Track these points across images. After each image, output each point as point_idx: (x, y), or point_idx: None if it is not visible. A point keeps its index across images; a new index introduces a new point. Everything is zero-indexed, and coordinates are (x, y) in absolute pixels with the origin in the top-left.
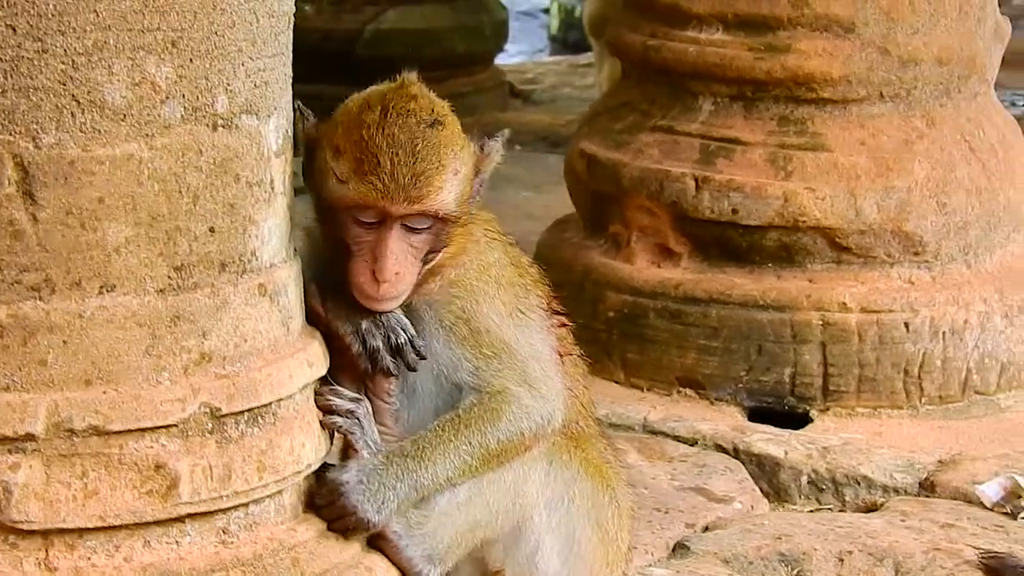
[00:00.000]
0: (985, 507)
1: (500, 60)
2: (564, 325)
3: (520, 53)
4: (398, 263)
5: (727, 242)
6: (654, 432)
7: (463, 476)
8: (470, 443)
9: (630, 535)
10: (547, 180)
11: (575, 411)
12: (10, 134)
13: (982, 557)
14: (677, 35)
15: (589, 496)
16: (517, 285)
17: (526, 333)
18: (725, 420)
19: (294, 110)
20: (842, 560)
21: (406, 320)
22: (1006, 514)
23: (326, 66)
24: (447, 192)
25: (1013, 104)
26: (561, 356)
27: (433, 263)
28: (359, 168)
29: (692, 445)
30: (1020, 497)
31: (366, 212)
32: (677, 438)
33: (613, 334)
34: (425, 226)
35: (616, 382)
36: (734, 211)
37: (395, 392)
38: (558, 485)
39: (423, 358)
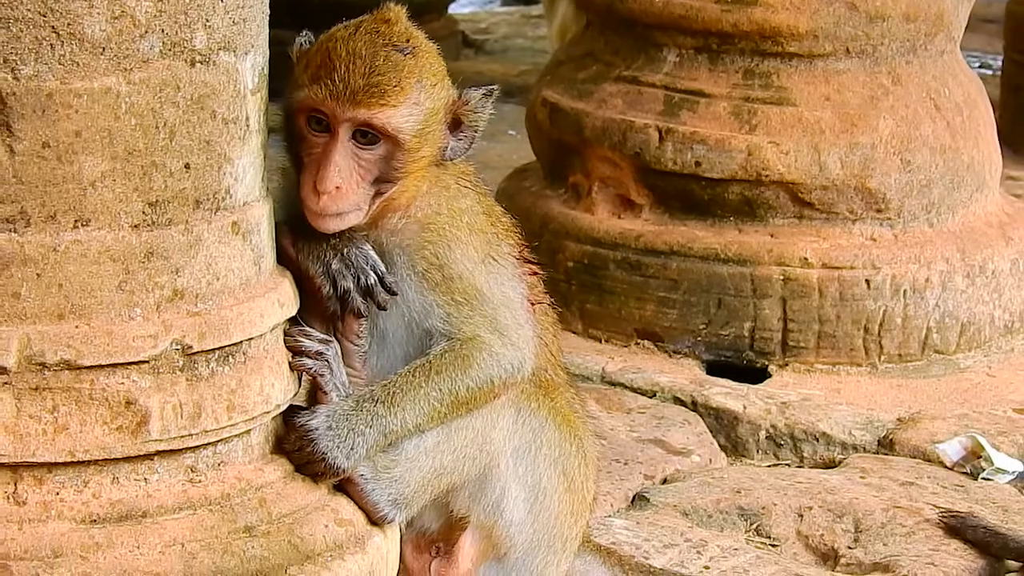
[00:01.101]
0: (945, 466)
1: (453, 9)
2: (535, 274)
3: (472, 3)
4: (340, 176)
5: (689, 195)
6: (612, 383)
7: (432, 423)
8: (440, 390)
9: (595, 485)
10: (501, 129)
11: (545, 359)
12: None
13: (942, 516)
14: None
15: (556, 445)
16: (490, 233)
17: (498, 280)
18: (683, 373)
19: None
20: (802, 516)
21: (376, 257)
22: (966, 474)
23: (278, 10)
24: (401, 114)
25: (988, 67)
26: (532, 304)
27: (387, 196)
28: (316, 73)
29: (650, 397)
30: (980, 457)
31: (317, 117)
32: (635, 390)
33: (572, 284)
34: (374, 144)
35: (574, 332)
36: (697, 164)
37: (364, 334)
38: (526, 433)
39: (393, 294)
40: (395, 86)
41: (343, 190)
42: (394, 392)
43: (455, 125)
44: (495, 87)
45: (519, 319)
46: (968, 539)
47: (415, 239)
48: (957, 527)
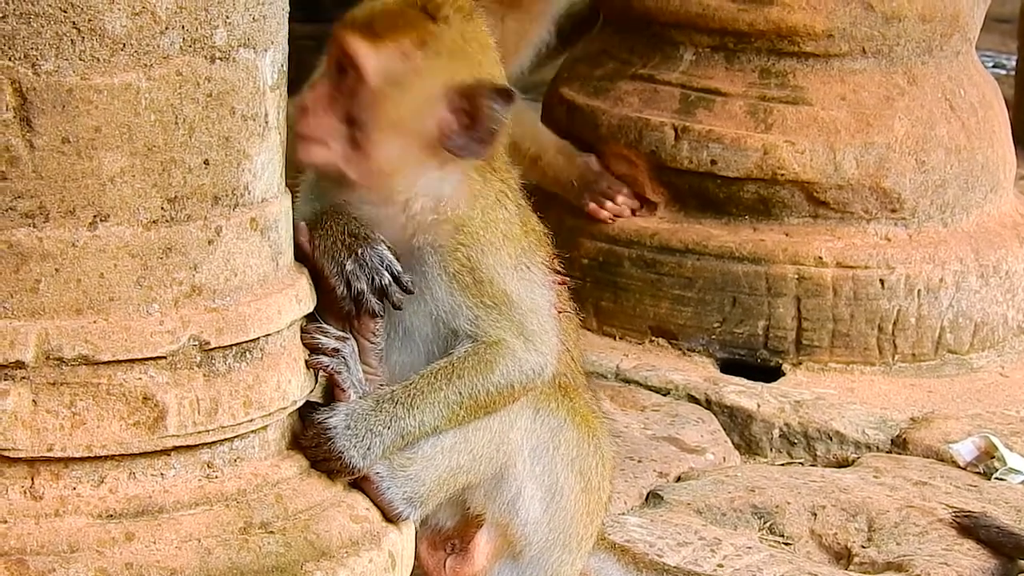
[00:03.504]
0: (958, 466)
1: None
2: (563, 283)
3: None
4: (315, 98)
5: (704, 193)
6: (627, 381)
7: (450, 424)
8: (460, 393)
9: (611, 485)
10: None
11: (565, 364)
12: (9, 60)
13: (955, 516)
14: None
15: (574, 445)
16: (523, 241)
17: (528, 287)
18: (698, 371)
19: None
20: (815, 514)
21: (392, 257)
22: (979, 474)
23: (291, 5)
24: (379, 57)
25: (1002, 67)
26: (558, 312)
27: (367, 153)
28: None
29: (665, 395)
30: (993, 457)
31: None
32: (650, 387)
33: (587, 282)
34: (350, 77)
35: (589, 330)
36: (713, 162)
37: (380, 332)
38: (544, 433)
39: (409, 292)
40: (389, 30)
41: (314, 112)
42: (414, 394)
43: (470, 121)
44: (514, 90)
45: (545, 326)
46: (981, 539)
47: (449, 240)
48: (970, 527)
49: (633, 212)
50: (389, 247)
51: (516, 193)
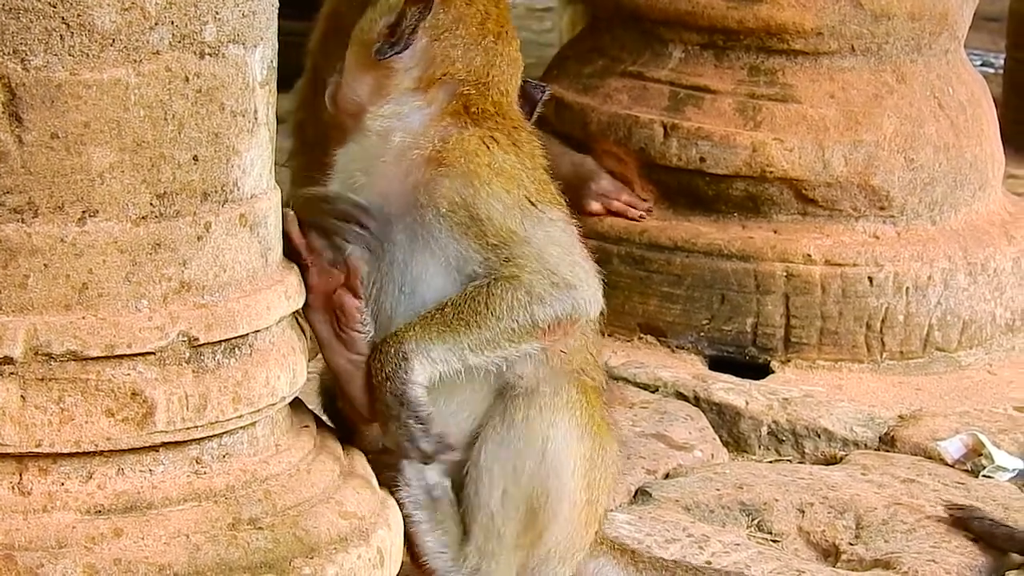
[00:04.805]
0: (946, 463)
1: None
2: None
3: None
4: None
5: (694, 190)
6: (615, 377)
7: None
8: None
9: (609, 497)
10: None
11: (586, 359)
12: None
13: (949, 508)
14: None
15: (588, 458)
16: (521, 178)
17: (538, 224)
18: (686, 368)
19: None
20: (803, 512)
21: (364, 204)
22: (967, 471)
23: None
24: None
25: (990, 65)
26: None
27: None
28: None
29: (653, 392)
30: (981, 455)
31: None
32: (638, 384)
33: None
34: None
35: None
36: (702, 159)
37: (367, 320)
38: (585, 453)
39: (365, 228)
40: None
41: None
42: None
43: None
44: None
45: (572, 256)
46: (974, 531)
47: (433, 176)
48: (963, 519)
49: (640, 217)
50: (360, 204)
51: (513, 147)
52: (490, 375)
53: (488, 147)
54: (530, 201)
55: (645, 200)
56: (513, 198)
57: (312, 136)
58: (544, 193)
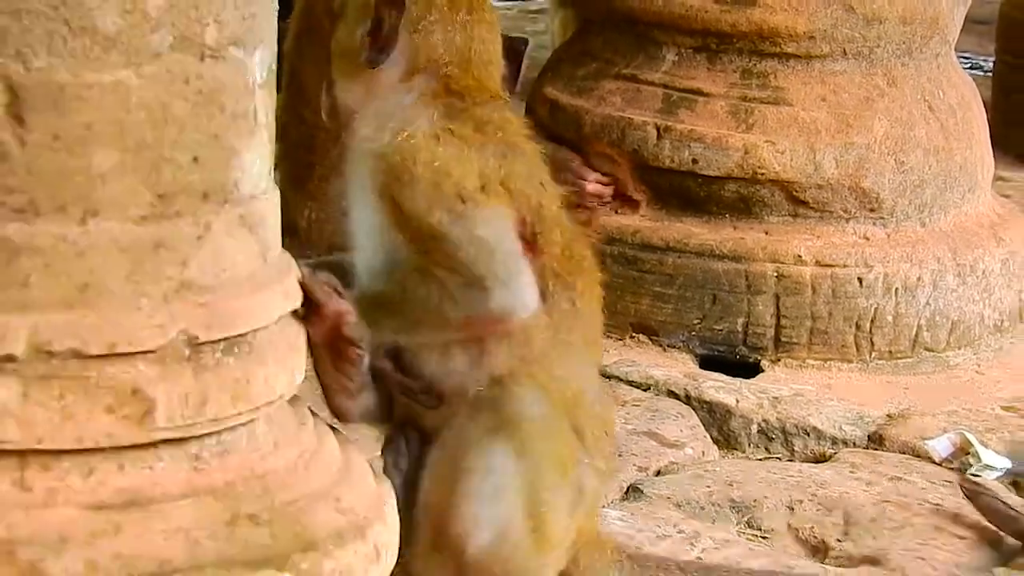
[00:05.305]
0: (934, 462)
1: None
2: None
3: None
4: None
5: (686, 191)
6: (607, 376)
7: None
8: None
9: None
10: None
11: (569, 395)
12: (1, 57)
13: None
14: None
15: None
16: (462, 171)
17: (463, 221)
18: (677, 367)
19: None
20: (792, 509)
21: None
22: (954, 469)
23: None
24: None
25: (979, 68)
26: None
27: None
28: None
29: (645, 390)
30: (968, 453)
31: None
32: (630, 383)
33: None
34: None
35: None
36: (694, 161)
37: (364, 367)
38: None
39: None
40: None
41: None
42: None
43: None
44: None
45: (494, 256)
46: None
47: (373, 169)
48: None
49: (613, 204)
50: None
51: (476, 133)
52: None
53: (437, 139)
54: (461, 197)
55: (629, 198)
56: (440, 194)
57: (296, 138)
58: (487, 186)
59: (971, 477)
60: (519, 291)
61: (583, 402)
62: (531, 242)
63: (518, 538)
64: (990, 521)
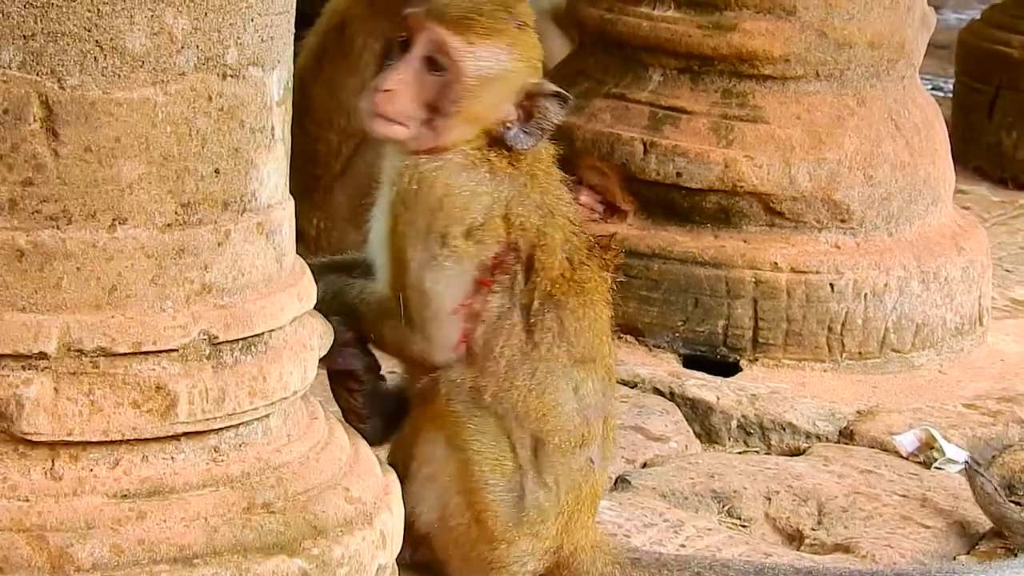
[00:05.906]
0: (901, 456)
1: None
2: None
3: None
4: (400, 82)
5: (670, 203)
6: None
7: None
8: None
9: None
10: None
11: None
12: (37, 75)
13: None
14: (632, 10)
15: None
16: (457, 211)
17: (429, 265)
18: (662, 366)
19: None
20: (769, 499)
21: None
22: (920, 463)
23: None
24: (477, 55)
25: (940, 89)
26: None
27: (436, 133)
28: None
29: (632, 387)
30: (933, 448)
31: (405, 27)
32: (619, 380)
33: None
34: (441, 68)
35: None
36: (678, 174)
37: (365, 400)
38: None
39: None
40: (486, 30)
41: (397, 95)
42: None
43: (527, 115)
44: (569, 96)
45: (431, 310)
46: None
47: (392, 175)
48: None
49: (603, 216)
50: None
51: (499, 172)
52: None
53: (469, 164)
54: (443, 240)
55: (618, 208)
56: (427, 231)
57: (300, 150)
58: (482, 227)
59: (936, 469)
60: (438, 344)
61: (552, 414)
62: (508, 267)
63: (457, 524)
64: (977, 501)
